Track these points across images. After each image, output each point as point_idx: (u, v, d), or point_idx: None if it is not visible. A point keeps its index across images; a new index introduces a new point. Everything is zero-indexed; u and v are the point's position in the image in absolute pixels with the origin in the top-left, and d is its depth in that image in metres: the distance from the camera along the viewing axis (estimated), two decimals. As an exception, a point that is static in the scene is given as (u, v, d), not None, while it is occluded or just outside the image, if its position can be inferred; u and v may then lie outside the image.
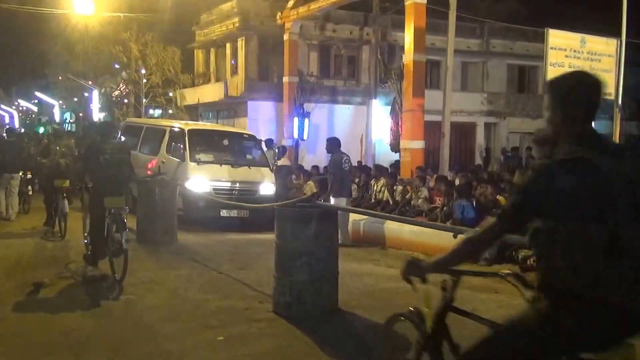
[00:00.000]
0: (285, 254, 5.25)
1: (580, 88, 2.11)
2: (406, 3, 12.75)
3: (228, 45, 23.48)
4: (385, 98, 18.10)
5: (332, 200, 9.32)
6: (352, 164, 10.65)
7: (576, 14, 20.28)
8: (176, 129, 11.60)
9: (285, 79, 18.91)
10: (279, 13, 18.50)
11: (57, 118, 43.55)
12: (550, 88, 2.17)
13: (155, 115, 30.20)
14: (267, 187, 11.05)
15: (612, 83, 9.47)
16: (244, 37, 21.87)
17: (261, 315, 5.23)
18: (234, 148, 11.91)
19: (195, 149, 10.94)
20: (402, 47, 13.85)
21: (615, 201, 1.93)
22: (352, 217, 9.63)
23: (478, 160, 21.71)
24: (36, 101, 50.50)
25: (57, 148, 9.28)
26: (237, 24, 21.98)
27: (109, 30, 25.38)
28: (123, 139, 12.69)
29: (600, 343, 1.99)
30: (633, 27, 9.96)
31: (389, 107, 16.00)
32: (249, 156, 11.99)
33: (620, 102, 9.60)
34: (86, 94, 33.50)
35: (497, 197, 9.54)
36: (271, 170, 11.65)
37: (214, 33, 23.83)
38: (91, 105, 31.54)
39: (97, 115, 30.94)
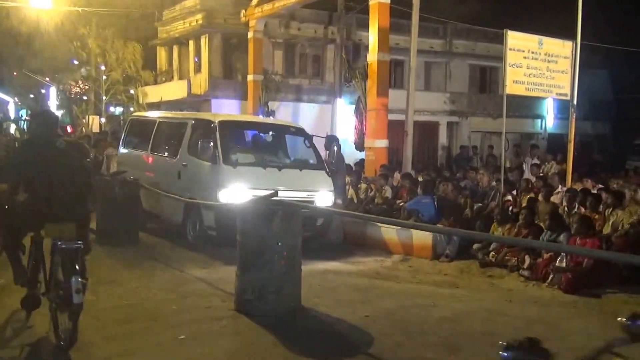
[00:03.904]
0: (247, 251, 5.23)
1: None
2: (370, 3, 12.83)
3: (191, 43, 23.19)
4: (350, 97, 18.19)
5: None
6: None
7: (534, 17, 20.82)
8: (202, 122, 8.99)
9: (250, 77, 18.79)
10: (243, 10, 18.36)
11: (12, 115, 42.19)
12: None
13: (117, 113, 29.57)
14: (325, 197, 8.54)
15: (567, 84, 9.72)
16: (207, 35, 21.64)
17: (223, 313, 5.20)
18: (278, 145, 9.47)
19: (230, 147, 8.42)
20: (367, 47, 13.94)
21: None
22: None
23: (441, 159, 22.06)
24: (-10, 98, 48.74)
25: None
26: (200, 21, 21.74)
27: (67, 25, 24.70)
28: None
29: None
30: (588, 29, 10.27)
31: (354, 106, 16.09)
32: (298, 156, 9.53)
33: (575, 102, 9.87)
34: (43, 91, 32.56)
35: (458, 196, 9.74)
36: (328, 174, 9.01)
37: (177, 30, 23.50)
38: (48, 102, 30.68)
39: (55, 112, 30.08)
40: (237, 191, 7.67)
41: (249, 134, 9.70)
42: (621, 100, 26.14)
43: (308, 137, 9.38)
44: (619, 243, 7.14)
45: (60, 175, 4.50)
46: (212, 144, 8.23)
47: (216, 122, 8.56)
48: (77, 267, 4.22)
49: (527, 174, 12.38)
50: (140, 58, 25.32)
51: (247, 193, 7.35)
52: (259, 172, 8.18)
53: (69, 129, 17.96)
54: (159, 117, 10.55)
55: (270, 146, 9.38)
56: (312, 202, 8.16)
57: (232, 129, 9.08)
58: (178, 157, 8.92)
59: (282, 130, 9.78)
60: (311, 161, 9.10)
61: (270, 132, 9.61)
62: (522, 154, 16.49)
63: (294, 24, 21.34)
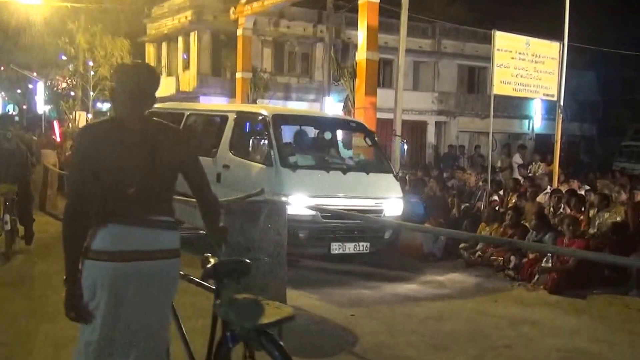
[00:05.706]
0: (232, 249, 5.19)
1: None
2: (359, 1, 12.81)
3: (180, 39, 23.07)
4: (339, 95, 18.18)
5: None
6: None
7: (522, 17, 20.95)
8: (249, 116, 7.87)
9: (239, 75, 18.70)
10: (233, 8, 18.27)
11: (-1, 110, 41.81)
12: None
13: (104, 109, 29.32)
14: (395, 205, 7.29)
15: (554, 85, 9.77)
16: (196, 32, 21.55)
17: (206, 311, 5.14)
18: (338, 144, 8.33)
19: (287, 146, 7.33)
20: (355, 45, 13.93)
21: None
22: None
23: (430, 158, 22.15)
24: (-24, 92, 48.19)
25: None
26: (189, 18, 21.63)
27: (55, 20, 24.45)
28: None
29: None
30: (575, 30, 10.34)
31: (342, 105, 16.08)
32: (362, 156, 8.36)
33: (562, 103, 9.93)
34: (30, 86, 32.23)
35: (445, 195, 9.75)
36: (396, 178, 7.79)
37: (166, 26, 23.37)
38: (36, 97, 30.37)
39: (42, 107, 29.84)
40: (298, 199, 6.46)
41: (304, 131, 8.26)
42: (608, 101, 26.42)
43: (370, 134, 8.16)
44: (601, 244, 7.18)
45: (8, 153, 6.93)
46: (265, 142, 6.92)
47: (270, 116, 7.19)
48: (10, 209, 6.85)
49: (515, 174, 12.44)
50: (129, 54, 25.12)
51: (309, 201, 6.47)
52: (321, 176, 6.91)
53: (55, 125, 17.69)
54: (187, 110, 9.16)
55: (330, 145, 8.07)
56: (380, 211, 7.08)
57: (287, 124, 7.76)
58: (217, 156, 7.48)
59: (340, 126, 8.67)
60: (377, 162, 7.85)
61: (330, 129, 8.17)
62: (513, 154, 16.57)
63: (283, 22, 21.31)
